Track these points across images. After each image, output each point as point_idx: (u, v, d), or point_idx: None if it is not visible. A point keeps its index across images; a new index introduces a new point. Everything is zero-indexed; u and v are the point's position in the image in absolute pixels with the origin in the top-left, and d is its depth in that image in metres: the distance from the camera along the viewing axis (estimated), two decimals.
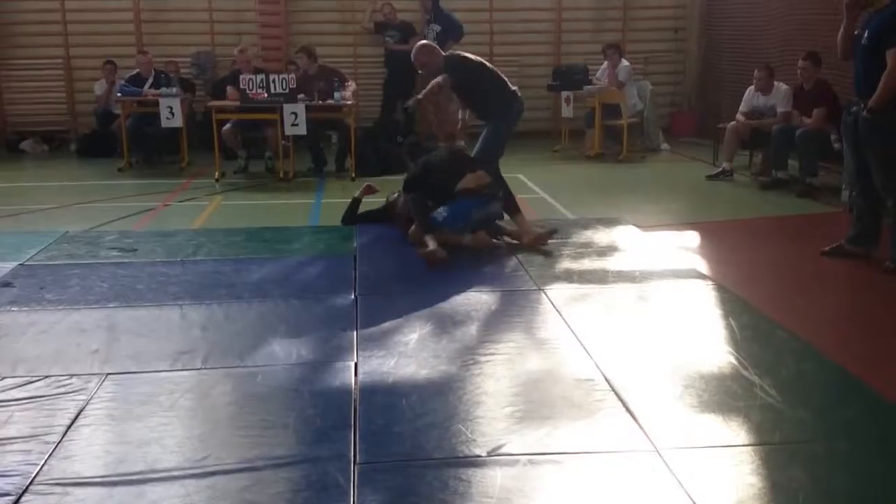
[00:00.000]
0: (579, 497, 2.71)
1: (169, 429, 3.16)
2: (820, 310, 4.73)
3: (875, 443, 3.09)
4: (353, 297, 4.67)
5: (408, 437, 3.07)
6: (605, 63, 10.35)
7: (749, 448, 3.01)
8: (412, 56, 6.59)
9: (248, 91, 8.61)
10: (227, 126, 9.04)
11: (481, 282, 4.93)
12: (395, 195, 6.22)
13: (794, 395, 3.42)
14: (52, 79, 11.28)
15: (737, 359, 3.76)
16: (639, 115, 10.42)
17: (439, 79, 6.28)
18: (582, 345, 3.94)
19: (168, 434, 3.12)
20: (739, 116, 8.54)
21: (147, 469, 2.86)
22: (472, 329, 4.21)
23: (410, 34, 10.84)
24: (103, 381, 3.56)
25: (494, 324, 4.31)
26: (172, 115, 9.04)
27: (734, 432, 3.12)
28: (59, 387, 3.49)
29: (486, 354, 3.86)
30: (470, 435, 3.08)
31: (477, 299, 4.66)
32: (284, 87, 8.56)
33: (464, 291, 4.78)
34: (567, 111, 10.53)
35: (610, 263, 5.35)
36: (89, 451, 2.99)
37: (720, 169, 8.66)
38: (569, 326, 4.17)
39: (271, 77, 8.64)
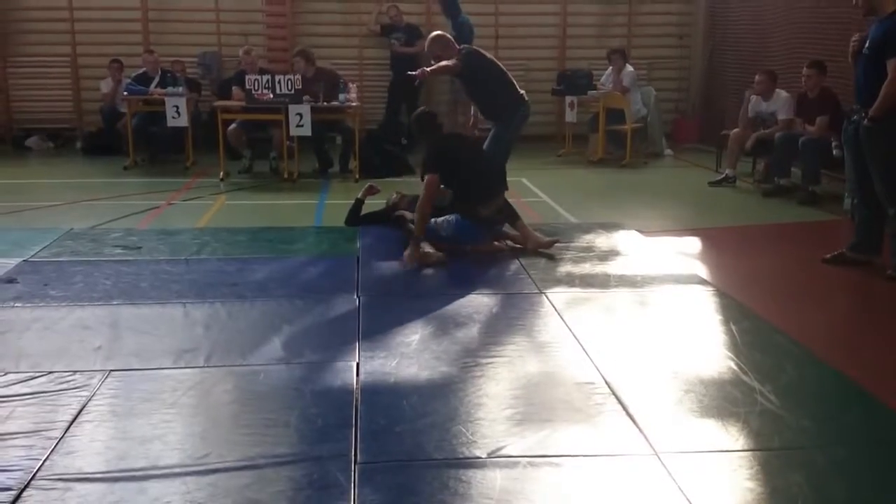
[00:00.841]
0: (579, 500, 2.72)
1: (171, 426, 3.18)
2: (821, 317, 4.74)
3: (875, 449, 3.10)
4: (355, 297, 4.68)
5: (408, 437, 3.08)
6: (610, 68, 10.38)
7: (748, 453, 3.02)
8: (426, 45, 6.68)
9: (253, 91, 8.64)
10: (233, 126, 9.06)
11: (483, 284, 4.94)
12: (396, 196, 6.24)
13: (794, 401, 3.43)
14: (59, 76, 11.31)
15: (737, 364, 3.77)
16: (642, 121, 10.44)
17: (450, 61, 6.33)
18: (583, 348, 3.95)
19: (170, 431, 3.14)
20: (739, 128, 8.55)
21: (149, 466, 2.88)
22: (474, 331, 4.22)
23: (416, 37, 10.87)
24: (106, 377, 3.58)
25: (496, 326, 4.32)
26: (178, 114, 9.07)
27: (734, 437, 3.13)
28: (61, 383, 3.51)
29: (487, 356, 3.87)
30: (470, 436, 3.09)
31: (479, 301, 4.67)
32: (290, 87, 8.59)
33: (466, 294, 4.79)
34: (571, 116, 10.54)
35: (612, 268, 5.36)
36: (91, 447, 3.01)
37: (723, 175, 8.68)
38: (570, 330, 4.19)
39: (277, 78, 8.66)
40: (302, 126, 8.57)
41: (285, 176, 8.91)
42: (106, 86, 10.55)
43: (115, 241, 5.90)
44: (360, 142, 9.02)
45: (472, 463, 2.91)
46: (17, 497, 2.67)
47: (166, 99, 9.15)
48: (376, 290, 4.84)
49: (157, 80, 9.75)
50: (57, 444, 3.00)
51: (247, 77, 8.77)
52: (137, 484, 2.77)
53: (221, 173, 8.84)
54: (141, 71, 9.88)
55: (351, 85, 9.27)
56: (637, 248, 5.87)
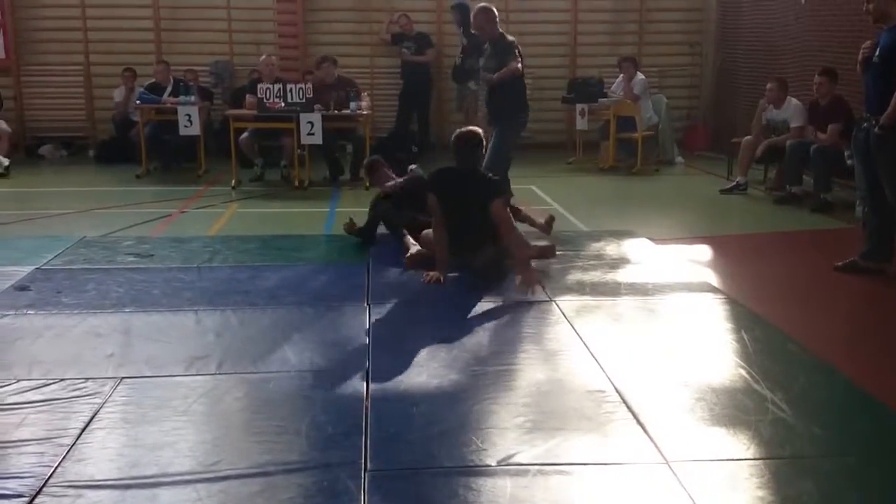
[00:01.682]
0: None
1: (182, 433, 3.19)
2: (832, 325, 4.72)
3: (886, 458, 3.08)
4: (365, 305, 4.69)
5: (418, 445, 3.08)
6: (621, 76, 10.37)
7: (759, 462, 3.01)
8: (472, 17, 6.97)
9: (265, 100, 8.68)
10: (245, 135, 9.11)
11: (493, 292, 4.94)
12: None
13: (806, 409, 3.42)
14: (72, 85, 11.39)
15: (748, 372, 3.76)
16: (653, 129, 10.43)
17: (517, 64, 6.68)
18: (593, 356, 3.94)
19: (181, 438, 3.15)
20: (751, 136, 8.54)
21: (160, 473, 2.89)
22: (484, 339, 4.22)
23: (426, 46, 10.91)
24: (118, 384, 3.60)
25: (506, 334, 4.32)
26: (190, 122, 9.12)
27: (745, 446, 3.12)
28: (73, 390, 3.53)
29: (497, 364, 3.87)
30: (480, 444, 3.09)
31: (489, 309, 4.67)
32: (301, 96, 8.63)
33: (476, 301, 4.79)
34: (581, 123, 10.54)
35: (622, 276, 5.35)
36: (103, 455, 3.02)
37: (734, 183, 8.66)
38: (580, 338, 4.18)
39: (288, 87, 8.71)
40: (313, 135, 8.60)
41: (296, 184, 8.94)
42: (119, 94, 10.62)
43: (127, 249, 5.93)
44: (371, 150, 9.03)
45: (483, 471, 2.91)
46: (29, 503, 2.69)
47: (178, 108, 9.20)
48: (386, 297, 4.84)
49: (169, 89, 9.80)
50: (69, 451, 3.02)
51: (259, 86, 8.82)
52: (149, 491, 2.78)
53: (233, 181, 8.88)
54: (153, 80, 9.94)
55: (363, 93, 9.31)
56: (647, 256, 5.86)
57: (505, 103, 6.77)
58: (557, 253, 5.69)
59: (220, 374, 3.76)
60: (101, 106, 11.27)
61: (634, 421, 3.28)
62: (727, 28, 11.53)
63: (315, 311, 4.61)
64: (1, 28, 11.07)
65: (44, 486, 2.79)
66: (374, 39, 11.42)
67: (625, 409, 3.39)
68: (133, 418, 3.32)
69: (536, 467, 2.93)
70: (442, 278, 5.10)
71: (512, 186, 8.45)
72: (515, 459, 2.97)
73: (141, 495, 2.76)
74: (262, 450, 3.05)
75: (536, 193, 8.40)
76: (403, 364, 3.83)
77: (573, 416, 3.34)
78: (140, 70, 10.54)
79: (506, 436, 3.17)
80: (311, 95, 8.69)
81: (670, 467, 2.94)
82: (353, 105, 8.90)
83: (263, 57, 9.56)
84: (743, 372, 3.78)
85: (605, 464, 2.98)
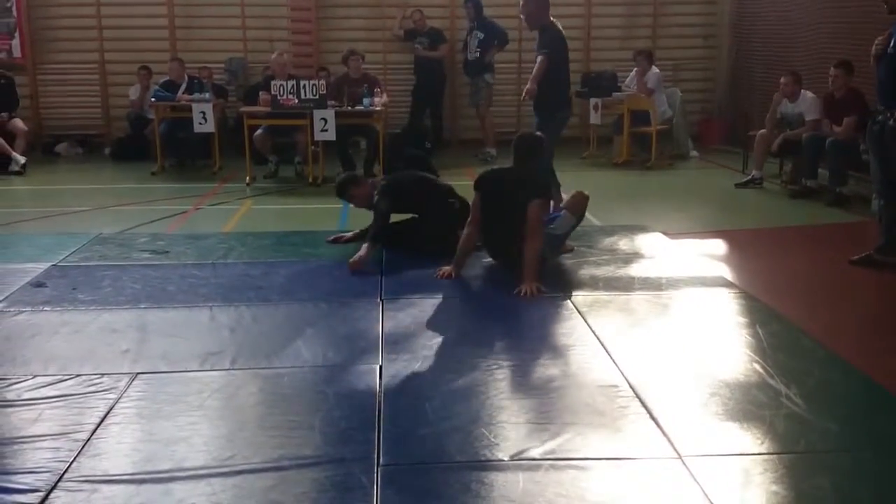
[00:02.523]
0: (602, 503, 2.72)
1: (197, 428, 3.21)
2: (847, 319, 4.68)
3: None
4: (378, 300, 4.70)
5: (431, 440, 3.09)
6: (635, 70, 10.33)
7: (773, 457, 3.00)
8: (521, 2, 6.75)
9: (278, 97, 8.70)
10: (259, 131, 9.13)
11: (506, 287, 4.93)
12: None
13: (820, 404, 3.40)
14: (88, 83, 11.44)
15: (763, 367, 3.74)
16: (668, 123, 10.37)
17: (542, 64, 6.59)
18: (606, 351, 3.94)
19: (196, 433, 3.17)
20: (766, 129, 8.48)
21: (174, 467, 2.91)
22: (497, 334, 4.22)
23: (440, 41, 10.89)
24: (133, 380, 3.62)
25: (519, 329, 4.32)
26: (205, 120, 9.15)
27: (759, 440, 3.11)
28: (89, 385, 3.56)
29: (509, 359, 3.87)
30: (493, 439, 3.10)
31: (502, 304, 4.67)
32: (314, 93, 8.64)
33: (489, 296, 4.79)
34: (595, 118, 10.49)
35: (636, 270, 5.34)
36: (118, 449, 3.05)
37: (749, 177, 8.60)
38: (594, 332, 4.17)
39: (302, 83, 8.72)
40: (326, 131, 8.61)
41: (310, 180, 8.96)
42: (134, 92, 10.66)
43: (142, 246, 5.96)
44: (385, 145, 9.05)
45: (495, 466, 2.92)
46: (45, 498, 2.72)
47: (193, 105, 9.23)
48: (399, 293, 4.85)
49: (184, 86, 9.84)
50: (84, 446, 3.04)
51: (272, 83, 8.84)
52: (163, 485, 2.81)
53: (248, 178, 8.91)
54: (168, 78, 9.98)
55: (377, 89, 9.32)
56: (662, 251, 5.84)
57: (545, 98, 6.65)
58: (572, 247, 5.69)
59: (234, 369, 3.78)
60: (116, 104, 11.32)
61: (647, 416, 3.28)
62: (742, 21, 11.45)
63: (328, 307, 4.63)
64: (17, 27, 11.13)
65: (59, 480, 2.81)
66: (387, 35, 11.41)
67: (638, 403, 3.38)
68: (148, 413, 3.34)
69: (549, 462, 2.93)
70: (454, 274, 5.10)
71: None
72: (528, 454, 2.98)
73: (155, 490, 2.78)
74: (275, 444, 3.06)
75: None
76: (416, 359, 3.84)
77: (586, 411, 3.34)
78: (155, 68, 10.57)
79: (518, 430, 3.17)
80: (326, 91, 8.70)
81: (683, 462, 2.93)
82: (366, 101, 8.90)
83: (275, 55, 9.58)
84: (757, 366, 3.76)
85: (618, 458, 2.98)
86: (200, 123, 9.16)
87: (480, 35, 10.39)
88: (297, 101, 8.68)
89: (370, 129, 9.20)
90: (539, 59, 6.67)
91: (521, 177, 5.18)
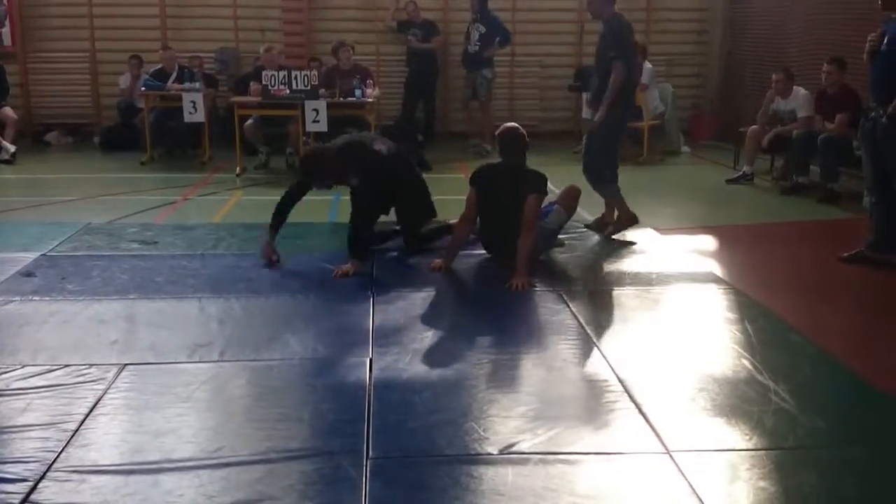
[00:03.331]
0: (590, 497, 2.72)
1: (185, 420, 3.20)
2: (837, 316, 4.70)
3: (889, 450, 3.08)
4: (369, 293, 4.69)
5: (420, 433, 3.09)
6: None
7: (761, 452, 3.01)
8: (586, 2, 6.25)
9: (269, 87, 8.67)
10: (249, 121, 9.10)
11: (497, 282, 4.93)
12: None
13: (809, 400, 3.41)
14: (78, 72, 11.37)
15: (751, 363, 3.75)
16: (660, 118, 10.38)
17: (618, 76, 5.86)
18: (597, 346, 3.94)
19: (184, 425, 3.16)
20: (758, 125, 8.49)
21: (163, 459, 2.90)
22: (487, 328, 4.22)
23: (433, 33, 10.86)
24: (121, 371, 3.61)
25: (509, 323, 4.32)
26: (195, 109, 9.10)
27: (747, 436, 3.12)
28: (78, 376, 3.54)
29: (500, 353, 3.87)
30: (482, 433, 3.10)
31: (493, 298, 4.67)
32: (306, 83, 8.61)
33: (480, 290, 4.79)
34: (587, 112, 10.49)
35: (627, 266, 5.35)
36: (106, 440, 3.04)
37: (741, 173, 8.62)
38: (584, 327, 4.18)
39: (293, 73, 8.69)
40: (318, 122, 8.58)
41: None
42: (124, 81, 10.61)
43: (131, 236, 5.94)
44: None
45: (484, 459, 2.92)
46: (33, 488, 2.70)
47: (183, 94, 9.19)
48: (390, 286, 4.84)
49: (174, 75, 9.79)
50: (72, 436, 3.03)
51: (263, 73, 8.81)
52: (151, 477, 2.80)
53: (238, 169, 8.87)
54: (158, 67, 9.93)
55: (370, 80, 9.29)
56: (652, 246, 5.84)
57: (616, 108, 5.98)
58: (563, 241, 5.70)
59: (223, 361, 3.77)
60: (106, 93, 11.26)
61: (636, 410, 3.28)
62: (735, 16, 11.46)
63: (318, 299, 4.62)
64: (7, 15, 11.05)
65: (48, 470, 2.80)
66: (380, 26, 11.37)
67: (627, 398, 3.39)
68: (136, 404, 3.33)
69: (538, 456, 2.93)
70: (445, 266, 5.10)
71: None
72: (517, 448, 2.98)
73: (144, 481, 2.77)
74: (264, 437, 3.06)
75: None
76: (406, 352, 3.84)
77: (575, 406, 3.35)
78: (146, 57, 10.52)
79: (507, 424, 3.17)
80: (317, 82, 8.67)
81: (672, 457, 2.94)
82: (358, 93, 8.88)
83: (263, 49, 9.52)
84: (746, 362, 3.77)
85: (607, 453, 2.98)
86: (190, 113, 9.11)
87: (482, 29, 10.32)
88: (288, 91, 8.64)
89: (362, 120, 9.17)
90: (615, 66, 5.87)
91: (518, 171, 5.19)
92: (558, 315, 4.40)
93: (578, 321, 4.27)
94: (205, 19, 11.30)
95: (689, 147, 10.72)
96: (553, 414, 3.25)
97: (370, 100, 9.02)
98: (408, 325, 4.23)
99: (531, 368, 3.72)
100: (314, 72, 8.87)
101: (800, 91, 8.22)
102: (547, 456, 2.94)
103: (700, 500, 2.68)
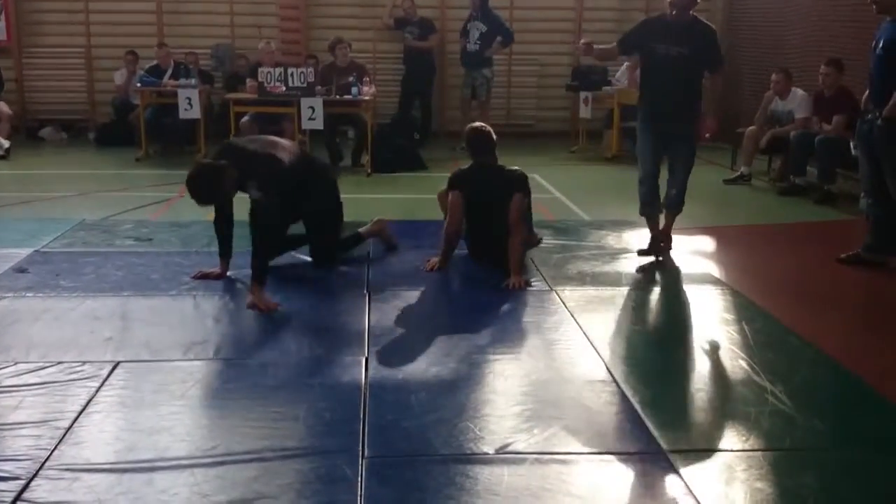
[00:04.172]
0: (585, 498, 2.71)
1: (179, 418, 3.18)
2: (834, 317, 4.69)
3: (886, 451, 3.07)
4: (364, 292, 4.68)
5: (416, 432, 3.08)
6: (625, 64, 10.32)
7: (759, 453, 3.00)
8: None
9: (265, 84, 8.64)
10: (245, 118, 9.07)
11: (493, 281, 4.92)
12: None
13: (806, 401, 3.41)
14: (73, 68, 11.34)
15: (749, 364, 3.75)
16: None
17: (719, 77, 5.64)
18: (593, 346, 3.93)
19: (178, 423, 3.14)
20: (755, 126, 8.49)
21: (157, 457, 2.88)
22: (483, 328, 4.20)
23: (430, 31, 10.83)
24: (115, 368, 3.59)
25: (505, 323, 4.30)
26: (190, 106, 9.08)
27: (744, 437, 3.11)
28: (71, 373, 3.52)
29: (496, 353, 3.86)
30: (478, 432, 3.08)
31: (489, 298, 4.65)
32: (302, 80, 8.59)
33: (476, 290, 4.77)
34: (585, 112, 10.48)
35: (624, 266, 5.34)
36: (100, 438, 3.02)
37: (738, 174, 8.62)
38: (580, 327, 4.17)
39: (289, 70, 8.66)
40: (314, 119, 8.56)
41: None
42: (119, 77, 10.57)
43: (126, 233, 5.91)
44: (373, 136, 9.00)
45: (480, 459, 2.90)
46: (26, 486, 2.68)
47: (179, 91, 9.16)
48: (386, 285, 4.82)
49: (169, 71, 9.76)
50: (65, 434, 3.01)
51: (259, 69, 8.78)
52: (145, 475, 2.78)
53: None
54: (154, 63, 9.90)
55: (366, 78, 9.26)
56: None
57: (696, 106, 5.52)
58: (559, 242, 5.68)
59: (217, 359, 3.75)
60: (101, 89, 11.23)
61: (633, 411, 3.27)
62: (733, 16, 11.45)
63: (314, 298, 4.60)
64: (3, 10, 11.01)
65: (40, 468, 2.78)
66: (377, 24, 11.35)
67: (623, 398, 3.38)
68: (130, 402, 3.31)
69: (534, 456, 2.92)
70: (441, 265, 5.08)
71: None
72: (513, 448, 2.97)
73: (137, 479, 2.75)
74: (259, 435, 3.04)
75: (539, 182, 8.36)
76: (402, 352, 3.83)
77: (571, 406, 3.34)
78: (141, 53, 10.49)
79: (503, 424, 3.16)
80: (313, 79, 8.65)
81: (668, 457, 2.93)
82: (354, 90, 8.85)
83: (262, 44, 9.51)
84: (743, 363, 3.76)
85: (603, 453, 2.97)
86: (186, 109, 9.09)
87: (483, 27, 10.27)
88: (284, 88, 8.62)
89: (358, 118, 9.16)
90: (713, 74, 5.50)
91: (497, 170, 5.19)
92: (555, 315, 4.39)
93: (575, 321, 4.26)
94: (200, 15, 11.27)
95: None
96: (549, 414, 3.24)
97: (366, 98, 9.00)
98: (403, 324, 4.21)
99: (527, 368, 3.70)
100: (310, 69, 8.85)
101: (798, 92, 8.23)
102: (542, 456, 2.92)
103: (696, 500, 2.67)
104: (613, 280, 5.02)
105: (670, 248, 5.58)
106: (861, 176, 5.72)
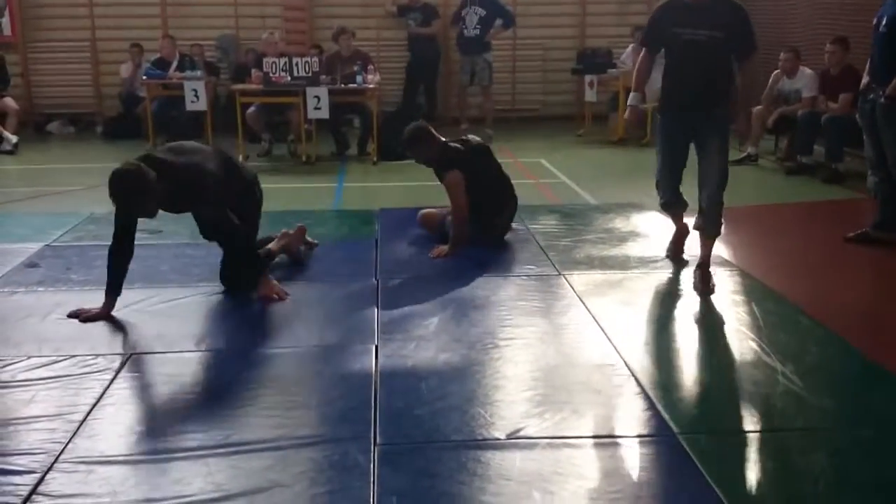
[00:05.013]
0: (598, 481, 2.72)
1: (192, 408, 3.21)
2: (844, 296, 4.68)
3: None
4: (374, 280, 4.69)
5: (427, 419, 3.09)
6: (630, 46, 10.26)
7: (770, 434, 3.01)
8: None
9: (271, 74, 8.64)
10: (251, 109, 9.07)
11: (502, 267, 4.93)
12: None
13: (817, 381, 3.41)
14: (79, 61, 11.36)
15: (759, 345, 3.74)
16: None
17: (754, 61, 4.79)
18: (602, 330, 3.93)
19: (191, 413, 3.17)
20: (762, 106, 8.44)
21: (171, 448, 2.90)
22: (492, 313, 4.21)
23: (433, 17, 10.79)
24: (127, 360, 3.61)
25: (515, 308, 4.31)
26: (197, 98, 9.09)
27: (755, 418, 3.11)
28: (84, 366, 3.54)
29: (505, 339, 3.86)
30: (489, 418, 3.09)
31: (497, 284, 4.66)
32: (307, 70, 8.58)
33: (484, 276, 4.77)
34: (591, 95, 10.45)
35: (632, 249, 5.33)
36: (113, 430, 3.04)
37: (745, 154, 8.58)
38: (589, 312, 4.17)
39: (294, 60, 8.66)
40: (320, 109, 8.56)
41: (304, 159, 8.92)
42: (125, 70, 10.58)
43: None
44: (379, 124, 8.99)
45: (491, 444, 2.91)
46: (41, 480, 2.70)
47: (185, 83, 9.17)
48: (395, 272, 4.83)
49: (175, 64, 9.76)
50: (79, 427, 3.03)
51: (264, 60, 8.77)
52: (159, 466, 2.80)
53: (240, 157, 8.84)
54: (159, 55, 9.90)
55: (371, 66, 9.25)
56: (657, 229, 5.81)
57: (730, 91, 4.78)
58: (567, 226, 5.68)
59: (229, 349, 3.77)
60: (107, 82, 11.25)
61: (644, 394, 3.27)
62: None
63: (324, 287, 4.61)
64: (7, 5, 11.02)
65: (55, 462, 2.80)
66: (381, 11, 11.32)
67: (634, 382, 3.38)
68: (143, 394, 3.34)
69: (545, 440, 2.93)
70: (448, 254, 5.09)
71: (521, 160, 8.44)
72: (524, 433, 2.97)
73: (152, 470, 2.77)
74: (272, 424, 3.05)
75: (545, 166, 8.35)
76: (412, 339, 3.83)
77: (582, 390, 3.34)
78: (146, 45, 10.50)
79: (514, 409, 3.17)
80: (318, 69, 8.64)
81: (680, 440, 2.93)
82: (359, 79, 8.85)
83: (265, 35, 9.49)
84: (754, 344, 3.76)
85: (615, 437, 2.98)
86: (192, 101, 9.10)
87: (482, 12, 10.20)
88: (289, 78, 8.62)
89: (363, 107, 9.15)
90: (744, 61, 4.68)
91: (483, 147, 5.56)
92: (563, 299, 4.39)
93: (584, 305, 4.26)
94: (205, 6, 11.26)
95: None
96: (559, 398, 3.25)
97: (371, 86, 8.99)
98: (413, 311, 4.22)
99: (537, 353, 3.71)
100: (315, 58, 8.84)
101: (805, 71, 8.18)
102: (554, 440, 2.93)
103: (709, 481, 2.68)
104: (621, 263, 5.02)
105: (712, 291, 4.49)
106: (866, 154, 5.69)
